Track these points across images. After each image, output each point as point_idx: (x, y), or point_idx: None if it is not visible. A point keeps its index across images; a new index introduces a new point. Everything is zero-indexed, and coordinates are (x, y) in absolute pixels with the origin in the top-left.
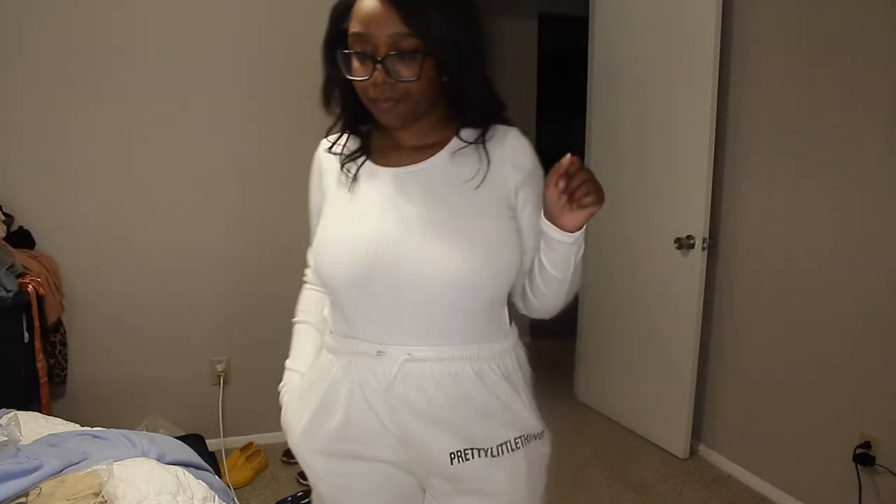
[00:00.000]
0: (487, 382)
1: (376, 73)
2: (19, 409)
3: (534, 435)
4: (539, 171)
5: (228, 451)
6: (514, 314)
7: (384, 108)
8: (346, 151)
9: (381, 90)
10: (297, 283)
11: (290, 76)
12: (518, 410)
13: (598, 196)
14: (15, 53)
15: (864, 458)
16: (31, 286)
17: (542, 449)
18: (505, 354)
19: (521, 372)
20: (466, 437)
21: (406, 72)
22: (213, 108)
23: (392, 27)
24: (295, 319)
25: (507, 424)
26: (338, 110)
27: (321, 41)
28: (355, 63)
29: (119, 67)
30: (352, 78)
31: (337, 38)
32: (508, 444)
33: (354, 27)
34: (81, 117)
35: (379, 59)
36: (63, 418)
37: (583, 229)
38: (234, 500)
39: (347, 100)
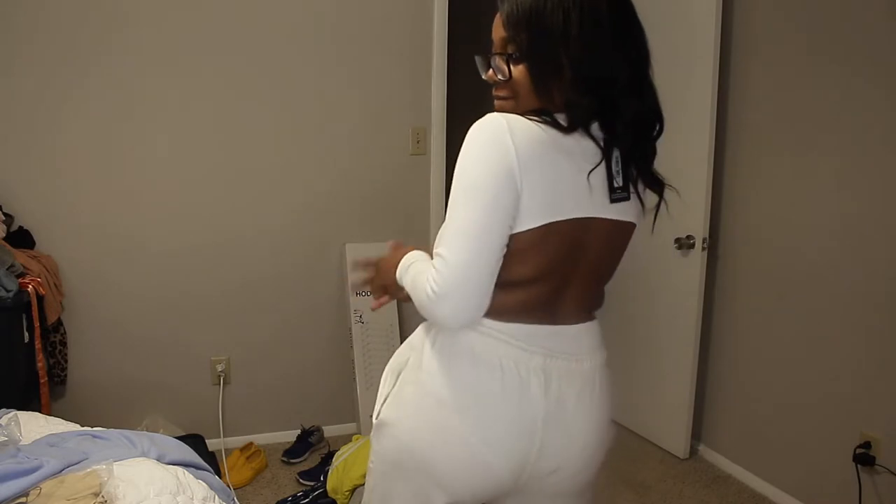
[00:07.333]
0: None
1: (490, 70)
2: (19, 409)
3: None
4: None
5: (228, 451)
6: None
7: (499, 105)
8: None
9: (494, 85)
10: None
11: (282, 76)
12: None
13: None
14: (14, 53)
15: (864, 458)
16: (31, 286)
17: (385, 431)
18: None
19: (423, 360)
20: None
21: (503, 70)
22: (213, 110)
23: (500, 31)
24: None
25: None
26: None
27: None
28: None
29: (120, 68)
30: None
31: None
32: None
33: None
34: (82, 117)
35: (489, 55)
36: (63, 418)
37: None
38: (234, 500)
39: None
